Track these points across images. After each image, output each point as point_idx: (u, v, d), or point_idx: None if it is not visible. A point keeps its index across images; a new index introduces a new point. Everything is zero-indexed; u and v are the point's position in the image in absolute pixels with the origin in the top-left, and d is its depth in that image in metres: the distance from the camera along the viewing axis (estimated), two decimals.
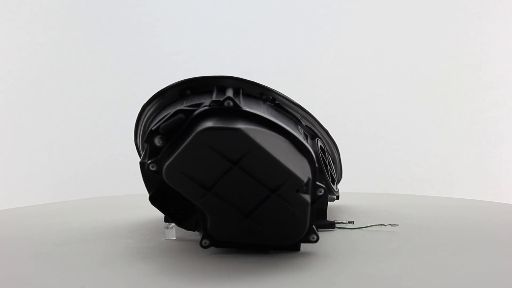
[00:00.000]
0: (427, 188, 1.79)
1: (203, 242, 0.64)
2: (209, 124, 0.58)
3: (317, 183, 0.61)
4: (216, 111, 0.61)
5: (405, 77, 1.83)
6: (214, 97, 0.65)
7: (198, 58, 1.80)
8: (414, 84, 1.84)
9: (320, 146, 0.76)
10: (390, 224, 0.73)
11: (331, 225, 0.75)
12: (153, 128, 0.61)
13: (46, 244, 0.73)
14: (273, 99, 0.69)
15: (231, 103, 0.60)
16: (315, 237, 0.63)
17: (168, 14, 1.83)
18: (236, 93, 0.68)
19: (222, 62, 1.82)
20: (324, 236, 0.72)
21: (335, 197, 0.83)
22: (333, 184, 0.77)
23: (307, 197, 0.60)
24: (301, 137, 0.61)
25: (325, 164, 0.75)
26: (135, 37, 1.81)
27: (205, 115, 0.61)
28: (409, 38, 1.84)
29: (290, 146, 0.60)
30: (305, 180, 0.59)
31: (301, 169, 0.60)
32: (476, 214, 0.92)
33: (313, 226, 0.63)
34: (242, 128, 0.57)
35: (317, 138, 0.75)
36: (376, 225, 0.75)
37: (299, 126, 0.71)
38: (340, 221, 0.77)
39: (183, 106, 0.64)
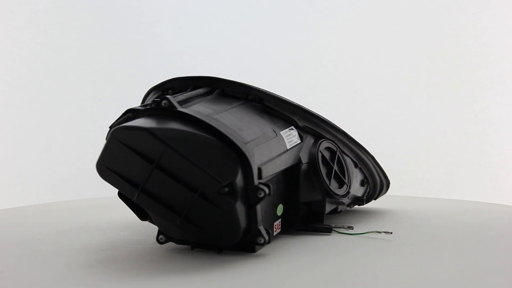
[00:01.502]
0: (427, 188, 1.79)
1: (159, 238, 0.66)
2: (128, 123, 0.61)
3: (258, 185, 0.60)
4: (154, 110, 0.62)
5: (405, 77, 1.83)
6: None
7: (198, 58, 1.80)
8: (414, 84, 1.84)
9: (328, 147, 0.74)
10: (384, 232, 0.72)
11: (327, 230, 0.73)
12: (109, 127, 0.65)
13: (38, 233, 0.76)
14: (261, 99, 0.70)
15: (168, 103, 0.61)
16: (263, 239, 0.62)
17: (168, 14, 1.83)
18: (209, 92, 0.70)
19: (222, 62, 1.82)
20: (303, 240, 0.71)
21: (343, 201, 0.77)
22: (341, 187, 0.74)
23: (233, 198, 0.59)
24: (238, 140, 0.60)
25: (329, 166, 0.73)
26: (135, 37, 1.81)
27: (143, 114, 0.63)
28: (409, 38, 1.84)
29: (219, 147, 0.59)
30: (224, 181, 0.59)
31: (223, 171, 0.59)
32: (475, 219, 0.92)
33: (260, 228, 0.62)
34: (150, 128, 0.59)
35: (322, 140, 0.73)
36: (371, 232, 0.73)
37: (292, 127, 0.71)
38: (341, 226, 0.75)
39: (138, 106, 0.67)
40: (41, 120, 1.77)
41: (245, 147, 0.60)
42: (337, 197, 0.73)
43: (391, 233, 0.71)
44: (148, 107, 0.63)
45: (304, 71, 1.83)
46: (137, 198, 0.62)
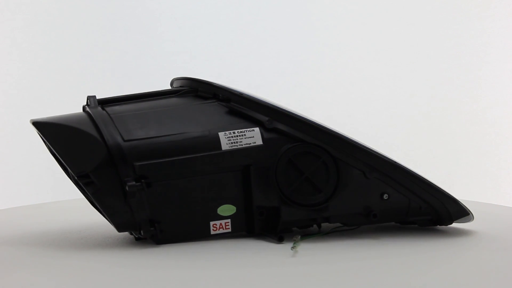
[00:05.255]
0: None
1: None
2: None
3: (125, 179, 0.66)
4: (85, 108, 0.74)
5: (405, 77, 1.83)
6: None
7: (198, 58, 1.80)
8: (414, 84, 1.84)
9: (307, 152, 0.70)
10: (291, 248, 0.65)
11: (277, 238, 0.69)
12: None
13: (37, 233, 0.75)
14: (228, 99, 0.72)
15: (88, 102, 0.73)
16: (137, 234, 0.69)
17: (168, 14, 1.83)
18: (174, 92, 0.75)
19: (222, 62, 1.81)
20: (235, 243, 0.69)
21: (322, 213, 0.71)
22: (308, 197, 0.70)
23: (91, 188, 0.66)
24: (111, 137, 0.67)
25: (300, 172, 0.70)
26: (135, 37, 1.81)
27: (83, 110, 0.75)
28: (409, 38, 1.84)
29: (83, 141, 0.67)
30: (77, 171, 0.66)
31: (78, 162, 0.67)
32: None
33: (141, 221, 0.67)
34: (35, 122, 0.70)
35: (295, 144, 0.70)
36: (294, 247, 0.66)
37: (254, 128, 0.70)
38: (299, 236, 0.69)
39: None
40: None
41: (118, 145, 0.66)
42: (294, 205, 0.70)
43: (293, 248, 0.65)
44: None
45: (304, 71, 1.83)
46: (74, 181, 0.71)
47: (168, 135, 0.68)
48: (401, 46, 1.83)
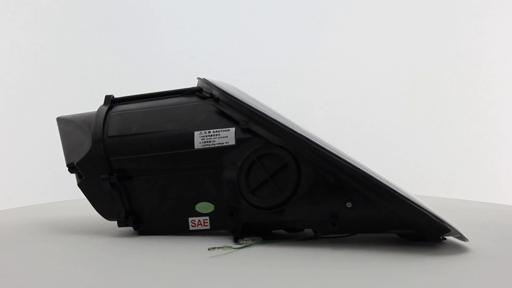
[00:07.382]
0: (427, 188, 1.79)
1: None
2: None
3: (102, 172, 0.71)
4: None
5: (405, 77, 1.83)
6: None
7: (198, 58, 1.80)
8: (414, 84, 1.84)
9: (273, 154, 0.67)
10: (220, 248, 0.63)
11: (235, 239, 0.67)
12: None
13: (38, 233, 0.76)
14: (218, 99, 0.72)
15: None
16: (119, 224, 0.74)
17: (168, 14, 1.83)
18: (182, 91, 0.77)
19: (222, 62, 1.82)
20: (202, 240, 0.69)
21: (280, 216, 0.67)
22: (265, 199, 0.67)
23: (78, 177, 0.74)
24: (96, 132, 0.72)
25: (262, 174, 0.67)
26: (136, 37, 1.81)
27: None
28: (409, 38, 1.84)
29: (76, 136, 0.74)
30: (68, 161, 0.74)
31: (70, 153, 0.74)
32: (475, 217, 0.91)
33: (119, 211, 0.72)
34: (57, 118, 0.78)
35: (262, 146, 0.67)
36: (227, 248, 0.64)
37: (230, 128, 0.68)
38: (259, 239, 0.68)
39: None
40: (41, 120, 1.77)
41: (101, 140, 0.72)
42: (251, 207, 0.67)
43: (211, 249, 0.62)
44: None
45: (304, 71, 1.83)
46: None
47: (147, 132, 0.71)
48: (401, 46, 1.83)
